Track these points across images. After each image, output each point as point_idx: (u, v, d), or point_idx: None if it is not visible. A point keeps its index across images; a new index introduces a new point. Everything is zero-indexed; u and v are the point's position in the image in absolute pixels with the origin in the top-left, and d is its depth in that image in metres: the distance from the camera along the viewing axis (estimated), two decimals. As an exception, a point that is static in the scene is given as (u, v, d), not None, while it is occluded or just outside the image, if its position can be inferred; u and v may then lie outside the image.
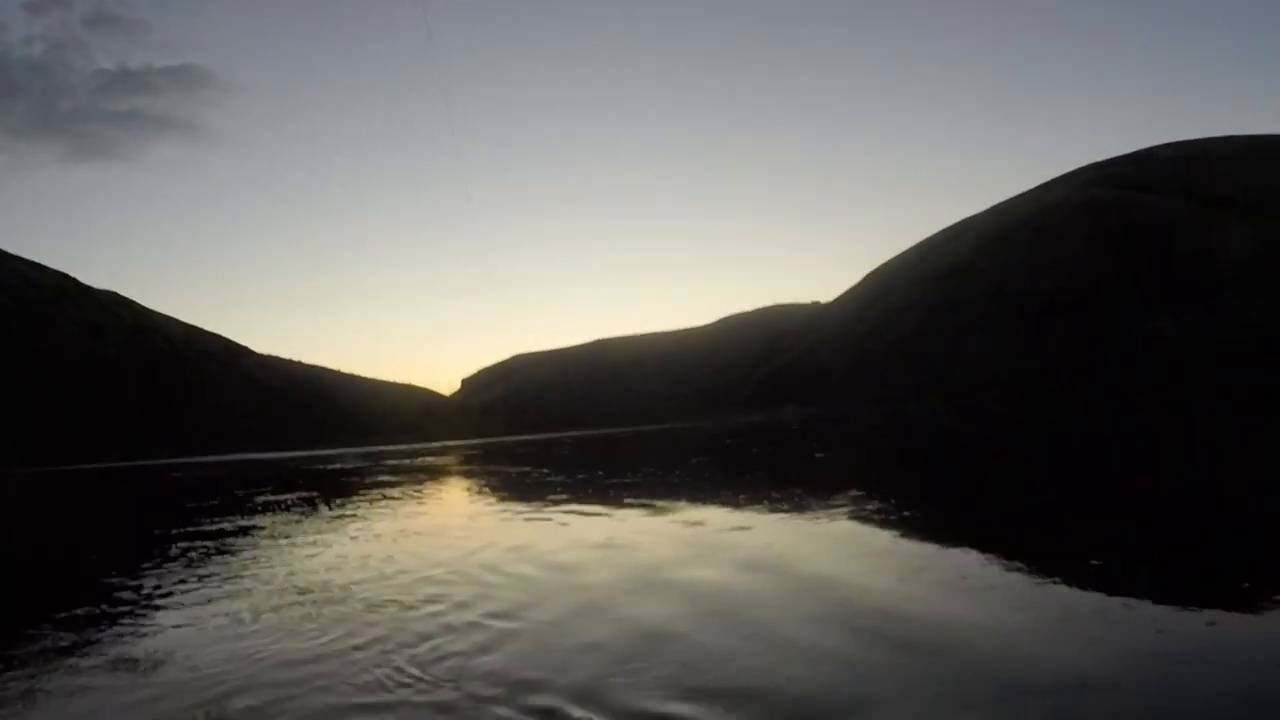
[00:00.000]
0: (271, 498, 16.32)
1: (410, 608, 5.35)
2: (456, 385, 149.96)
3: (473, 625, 4.80)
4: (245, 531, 10.59)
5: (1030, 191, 74.77)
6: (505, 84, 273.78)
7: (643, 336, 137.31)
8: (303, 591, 6.10)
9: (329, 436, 71.81)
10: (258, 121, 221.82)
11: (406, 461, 29.41)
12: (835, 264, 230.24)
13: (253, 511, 13.61)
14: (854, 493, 10.83)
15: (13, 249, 77.65)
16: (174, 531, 10.91)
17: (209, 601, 6.04)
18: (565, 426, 75.53)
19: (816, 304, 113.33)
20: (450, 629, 4.74)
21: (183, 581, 6.91)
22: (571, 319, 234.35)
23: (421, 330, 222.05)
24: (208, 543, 9.45)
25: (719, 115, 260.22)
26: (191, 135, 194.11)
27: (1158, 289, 49.97)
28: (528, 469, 20.99)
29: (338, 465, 29.86)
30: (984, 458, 17.17)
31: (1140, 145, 70.71)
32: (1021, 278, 59.79)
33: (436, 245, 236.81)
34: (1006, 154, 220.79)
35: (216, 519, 12.15)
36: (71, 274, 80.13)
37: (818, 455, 20.16)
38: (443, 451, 38.62)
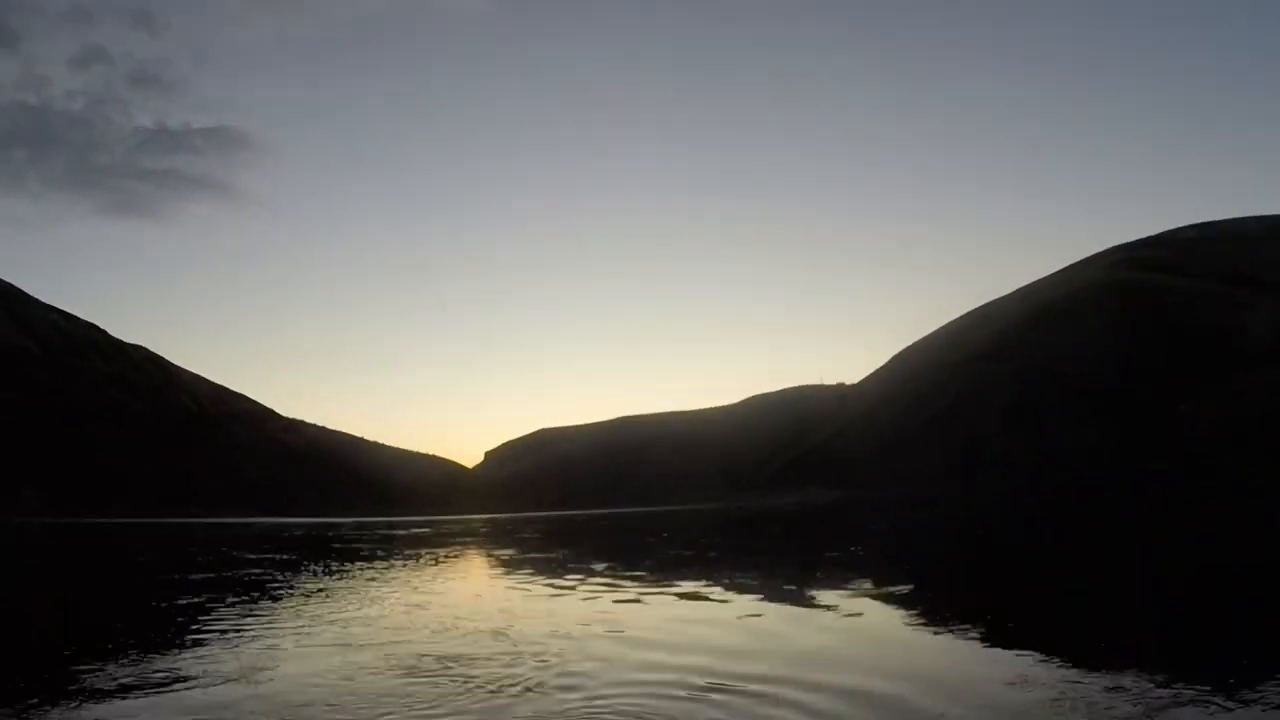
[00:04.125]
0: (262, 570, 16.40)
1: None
2: (480, 456, 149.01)
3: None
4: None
5: (1057, 274, 74.44)
6: (534, 163, 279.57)
7: (669, 414, 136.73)
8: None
9: (351, 503, 71.70)
10: (291, 184, 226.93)
11: (401, 532, 29.46)
12: (862, 346, 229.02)
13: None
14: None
15: (45, 298, 77.47)
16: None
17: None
18: (589, 504, 75.11)
19: (842, 385, 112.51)
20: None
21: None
22: (597, 393, 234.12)
23: (447, 399, 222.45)
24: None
25: (747, 196, 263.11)
26: (226, 196, 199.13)
27: (1184, 371, 49.19)
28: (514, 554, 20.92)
29: (332, 533, 29.97)
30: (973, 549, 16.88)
31: (1166, 226, 70.50)
32: (1048, 362, 59.11)
33: (465, 315, 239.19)
34: (1034, 235, 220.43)
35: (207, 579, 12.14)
36: (102, 326, 79.84)
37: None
38: (451, 526, 38.57)
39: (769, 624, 7.05)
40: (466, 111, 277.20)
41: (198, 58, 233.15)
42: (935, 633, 6.54)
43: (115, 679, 5.24)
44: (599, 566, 13.19)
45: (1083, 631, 6.32)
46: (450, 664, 5.54)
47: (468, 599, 9.50)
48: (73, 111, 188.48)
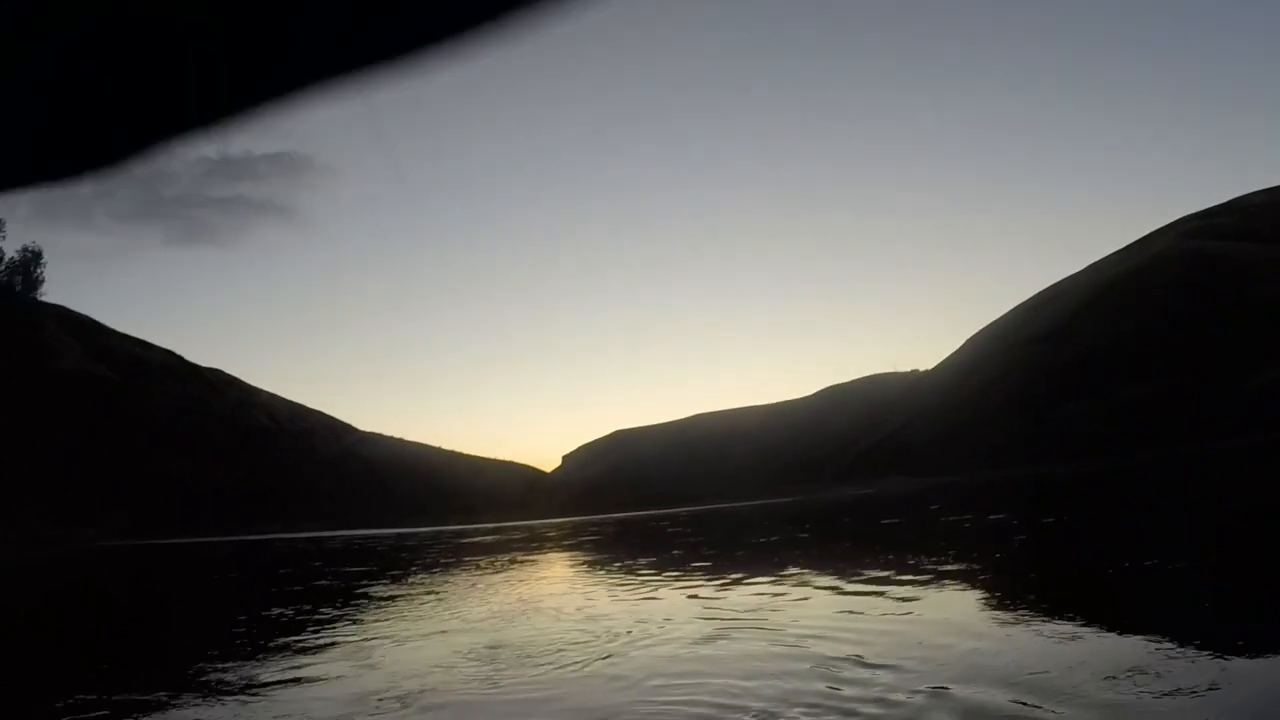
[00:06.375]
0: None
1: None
2: (557, 460, 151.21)
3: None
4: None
5: (1126, 248, 73.11)
6: (596, 166, 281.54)
7: (744, 410, 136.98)
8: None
9: (432, 512, 73.56)
10: (354, 203, 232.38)
11: (468, 541, 30.75)
12: (935, 330, 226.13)
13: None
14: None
15: (121, 328, 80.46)
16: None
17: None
18: (667, 503, 75.87)
19: (915, 372, 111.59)
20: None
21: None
22: (673, 392, 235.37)
23: (525, 405, 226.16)
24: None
25: (817, 187, 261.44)
26: (291, 218, 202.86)
27: (1258, 341, 48.10)
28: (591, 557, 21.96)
29: (412, 543, 31.34)
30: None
31: (1235, 193, 68.91)
32: (1119, 336, 58.20)
33: (538, 320, 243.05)
34: (1103, 211, 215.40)
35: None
36: (177, 352, 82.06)
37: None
38: (517, 532, 39.77)
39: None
40: (526, 118, 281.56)
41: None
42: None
43: (240, 678, 6.38)
44: (641, 562, 14.32)
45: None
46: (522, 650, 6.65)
47: (515, 599, 10.66)
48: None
